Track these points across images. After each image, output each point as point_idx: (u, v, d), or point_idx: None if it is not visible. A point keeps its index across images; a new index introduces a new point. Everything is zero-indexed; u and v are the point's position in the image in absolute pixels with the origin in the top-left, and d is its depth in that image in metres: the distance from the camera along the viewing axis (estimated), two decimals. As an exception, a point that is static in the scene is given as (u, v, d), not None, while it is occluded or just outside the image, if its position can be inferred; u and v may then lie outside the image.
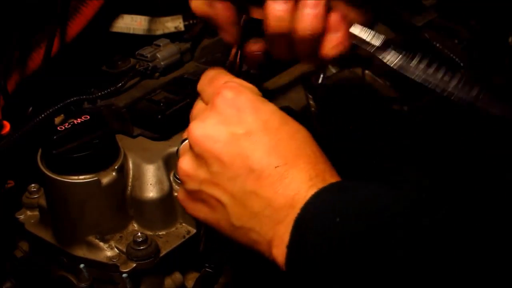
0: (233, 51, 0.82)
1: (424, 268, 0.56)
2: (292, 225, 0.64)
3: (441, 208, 0.60)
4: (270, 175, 0.67)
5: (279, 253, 0.66)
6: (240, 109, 0.70)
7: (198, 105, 0.76)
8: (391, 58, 0.74)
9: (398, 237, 0.58)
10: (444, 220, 0.59)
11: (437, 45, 1.19)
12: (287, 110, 0.96)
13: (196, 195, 0.72)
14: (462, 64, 1.16)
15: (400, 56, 0.73)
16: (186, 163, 0.73)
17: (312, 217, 0.63)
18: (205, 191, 0.71)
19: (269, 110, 0.71)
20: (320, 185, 0.66)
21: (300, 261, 0.63)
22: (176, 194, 0.90)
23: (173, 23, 1.23)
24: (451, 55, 1.17)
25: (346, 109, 1.07)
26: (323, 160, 0.70)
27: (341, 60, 0.78)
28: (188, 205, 0.75)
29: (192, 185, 0.72)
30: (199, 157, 0.71)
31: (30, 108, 1.03)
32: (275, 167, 0.67)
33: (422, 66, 0.73)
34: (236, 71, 0.78)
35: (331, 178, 0.67)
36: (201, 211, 0.73)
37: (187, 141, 0.75)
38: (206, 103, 0.75)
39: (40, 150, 0.89)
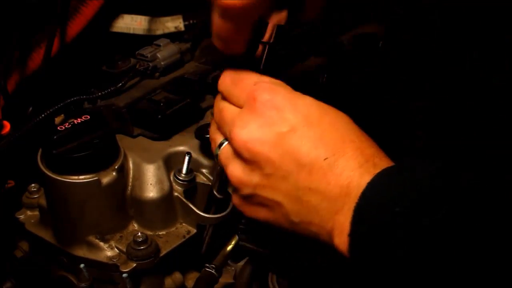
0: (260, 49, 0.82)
1: (485, 258, 0.57)
2: (351, 215, 0.65)
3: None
4: (321, 167, 0.68)
5: (341, 241, 0.66)
6: (279, 108, 0.71)
7: (230, 110, 0.76)
8: None
9: (461, 227, 0.59)
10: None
11: None
12: None
13: (252, 199, 0.74)
14: None
15: None
16: (237, 170, 0.73)
17: (371, 206, 0.64)
18: (260, 194, 0.72)
19: (307, 104, 0.72)
20: (371, 170, 0.67)
21: (363, 249, 0.64)
22: (176, 194, 0.90)
23: (173, 23, 1.23)
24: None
25: (346, 109, 1.07)
26: (370, 143, 0.71)
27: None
28: (246, 210, 0.76)
29: (247, 191, 0.73)
30: (249, 162, 0.72)
31: (30, 108, 1.03)
32: (324, 159, 0.68)
33: None
34: (258, 68, 0.78)
35: (380, 161, 0.68)
36: (260, 213, 0.74)
37: (225, 145, 0.76)
38: (239, 106, 0.75)
39: (40, 150, 0.89)
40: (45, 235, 0.94)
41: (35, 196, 0.97)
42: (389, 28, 1.22)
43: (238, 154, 0.73)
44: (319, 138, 0.69)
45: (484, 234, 0.58)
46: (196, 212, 0.89)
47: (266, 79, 0.75)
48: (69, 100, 0.96)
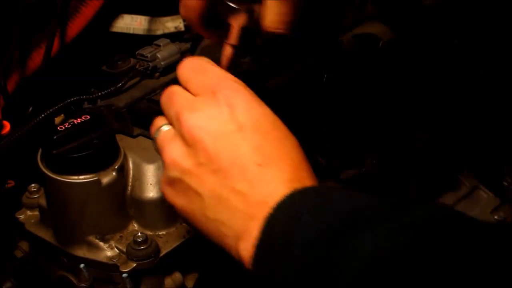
0: (229, 60, 0.82)
1: (401, 271, 0.56)
2: (262, 222, 0.65)
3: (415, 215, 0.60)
4: (251, 171, 0.68)
5: (245, 247, 0.66)
6: (235, 107, 0.71)
7: (183, 94, 0.75)
8: None
9: (370, 240, 0.58)
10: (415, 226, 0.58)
11: None
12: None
13: (176, 184, 0.73)
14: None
15: None
16: (175, 151, 0.73)
17: (283, 216, 0.64)
18: (185, 181, 0.71)
19: (262, 112, 0.72)
20: (296, 186, 0.66)
21: (265, 259, 0.64)
22: (176, 194, 0.90)
23: (173, 23, 1.23)
24: None
25: (346, 109, 1.07)
26: (307, 168, 0.70)
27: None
28: (167, 192, 0.75)
29: (175, 173, 0.72)
30: (190, 147, 0.71)
31: (30, 108, 1.03)
32: (257, 165, 0.68)
33: None
34: (233, 69, 0.78)
35: (310, 184, 0.68)
36: (178, 200, 0.73)
37: (166, 128, 0.75)
38: (195, 94, 0.74)
39: (40, 150, 0.89)
40: (45, 235, 0.94)
41: (35, 196, 0.97)
42: (392, 28, 1.22)
43: (180, 136, 0.72)
44: (260, 145, 0.69)
45: (387, 254, 0.57)
46: (196, 212, 0.89)
47: (230, 76, 0.75)
48: (69, 100, 0.96)
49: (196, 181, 0.70)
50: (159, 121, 0.78)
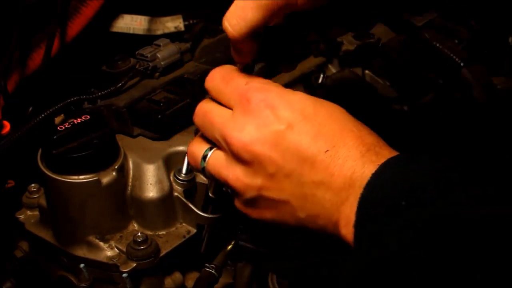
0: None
1: (502, 257, 0.57)
2: (356, 206, 0.65)
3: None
4: (323, 160, 0.68)
5: (347, 232, 0.67)
6: (273, 107, 0.71)
7: (220, 112, 0.75)
8: None
9: (467, 218, 0.59)
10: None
11: (437, 45, 1.19)
12: None
13: (258, 202, 0.73)
14: (462, 64, 1.16)
15: None
16: (238, 175, 0.72)
17: (376, 199, 0.64)
18: (266, 195, 0.72)
19: (300, 99, 0.72)
20: (374, 159, 0.67)
21: (367, 240, 0.64)
22: (176, 194, 0.90)
23: (173, 23, 1.23)
24: (451, 55, 1.17)
25: (346, 109, 1.07)
26: (368, 132, 0.71)
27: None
28: (252, 213, 0.75)
29: (251, 194, 0.72)
30: (250, 164, 0.71)
31: (30, 108, 1.03)
32: (325, 151, 0.68)
33: None
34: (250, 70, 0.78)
35: (381, 150, 0.68)
36: (266, 214, 0.74)
37: (212, 154, 0.75)
38: (230, 107, 0.74)
39: (40, 150, 0.89)
40: (45, 235, 0.94)
41: (35, 196, 0.97)
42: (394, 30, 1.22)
43: (237, 158, 0.72)
44: (318, 131, 0.69)
45: (490, 235, 0.58)
46: (196, 212, 0.89)
47: (256, 79, 0.75)
48: (69, 100, 0.96)
49: (276, 192, 0.71)
50: (197, 148, 0.77)
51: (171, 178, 0.91)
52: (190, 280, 0.94)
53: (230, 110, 0.74)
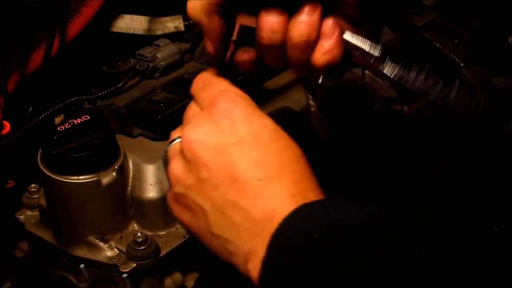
0: (228, 55, 0.82)
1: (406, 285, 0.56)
2: (268, 240, 0.64)
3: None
4: (252, 187, 0.67)
5: (254, 266, 0.65)
6: (234, 119, 0.70)
7: (192, 109, 0.76)
8: (390, 69, 0.73)
9: (378, 256, 0.58)
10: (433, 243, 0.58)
11: (437, 45, 1.18)
12: (287, 111, 0.95)
13: (181, 199, 0.73)
14: (462, 64, 1.16)
15: (398, 67, 0.73)
16: (177, 166, 0.73)
17: (289, 233, 0.63)
18: (190, 196, 0.71)
19: (262, 124, 0.71)
20: (300, 202, 0.66)
21: (274, 277, 0.63)
22: (176, 194, 0.90)
23: (173, 23, 1.23)
24: (451, 55, 1.17)
25: (346, 109, 1.07)
26: (310, 179, 0.70)
27: (333, 70, 0.78)
28: (174, 208, 0.75)
29: (179, 189, 0.72)
30: (189, 162, 0.71)
31: (30, 108, 1.03)
32: (258, 180, 0.67)
33: (421, 77, 0.72)
34: (229, 75, 0.78)
35: (314, 197, 0.67)
36: (184, 215, 0.73)
37: (177, 141, 0.75)
38: (201, 108, 0.75)
39: (40, 150, 0.89)
40: (45, 235, 0.94)
41: (35, 196, 0.97)
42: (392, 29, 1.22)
43: (182, 152, 0.72)
44: (261, 159, 0.68)
45: (402, 270, 0.57)
46: (196, 212, 0.89)
47: (233, 89, 0.74)
48: (69, 100, 0.96)
49: (200, 196, 0.70)
50: (174, 133, 0.77)
51: (171, 178, 0.91)
52: (190, 280, 0.94)
53: (199, 110, 0.75)
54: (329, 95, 1.00)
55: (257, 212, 0.66)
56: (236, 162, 0.68)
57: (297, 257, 0.61)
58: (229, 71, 0.79)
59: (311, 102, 0.98)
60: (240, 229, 0.67)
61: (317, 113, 0.98)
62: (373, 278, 0.57)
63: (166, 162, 0.78)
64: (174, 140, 0.76)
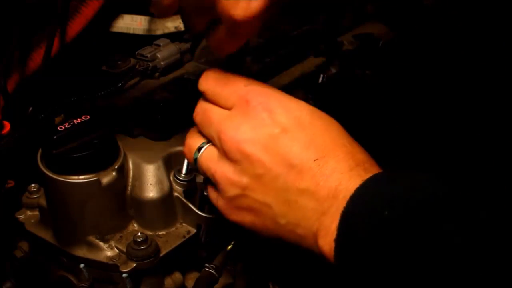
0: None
1: (481, 261, 0.57)
2: (338, 218, 0.65)
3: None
4: (310, 168, 0.68)
5: (325, 243, 0.66)
6: (271, 111, 0.71)
7: (217, 111, 0.76)
8: None
9: (452, 230, 0.58)
10: (499, 212, 0.59)
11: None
12: None
13: (240, 201, 0.73)
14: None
15: None
16: (226, 171, 0.73)
17: (359, 212, 0.64)
18: (249, 195, 0.72)
19: (299, 107, 0.72)
20: (362, 174, 0.67)
21: (349, 255, 0.64)
22: (176, 194, 0.90)
23: (173, 23, 1.23)
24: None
25: (346, 109, 1.07)
26: (360, 150, 0.71)
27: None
28: (232, 213, 0.75)
29: (234, 191, 0.73)
30: (239, 163, 0.71)
31: (30, 108, 1.03)
32: (314, 160, 0.68)
33: None
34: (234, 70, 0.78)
35: (371, 167, 0.69)
36: (246, 216, 0.74)
37: (206, 149, 0.76)
38: (226, 108, 0.75)
39: (40, 150, 0.89)
40: (45, 235, 0.94)
41: (35, 196, 0.97)
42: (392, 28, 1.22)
43: (228, 155, 0.72)
44: (310, 140, 0.70)
45: (478, 245, 0.58)
46: (196, 212, 0.89)
47: (255, 82, 0.75)
48: (69, 100, 0.96)
49: (261, 193, 0.71)
50: (194, 141, 0.78)
51: (171, 178, 0.91)
52: (190, 280, 0.94)
53: (227, 110, 0.75)
54: (329, 95, 1.00)
55: (320, 191, 0.67)
56: (288, 149, 0.69)
57: (369, 237, 0.62)
58: (232, 66, 0.79)
59: (311, 102, 0.98)
60: (306, 211, 0.68)
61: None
62: (448, 253, 0.57)
63: (200, 171, 0.78)
64: (201, 148, 0.76)
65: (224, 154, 0.73)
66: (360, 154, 0.70)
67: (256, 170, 0.70)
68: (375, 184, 0.66)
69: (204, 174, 0.78)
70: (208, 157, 0.76)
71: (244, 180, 0.72)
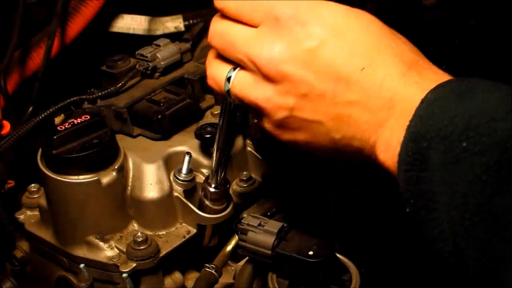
0: None
1: None
2: (401, 132, 0.60)
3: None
4: (358, 79, 0.64)
5: (387, 158, 0.63)
6: (304, 23, 0.66)
7: (241, 30, 0.69)
8: None
9: None
10: None
11: None
12: None
13: (289, 123, 0.68)
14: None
15: None
16: (266, 94, 0.68)
17: (426, 130, 0.58)
18: (298, 116, 0.67)
19: (332, 12, 0.66)
20: (417, 80, 0.62)
21: (414, 170, 0.59)
22: (176, 194, 0.90)
23: (173, 23, 1.23)
24: None
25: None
26: (409, 47, 0.65)
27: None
28: (283, 134, 0.70)
29: (281, 114, 0.68)
30: (281, 83, 0.67)
31: (30, 108, 1.03)
32: (361, 70, 0.64)
33: None
34: None
35: (423, 69, 0.63)
36: (298, 135, 0.69)
37: (237, 75, 0.70)
38: (253, 25, 0.69)
39: (40, 150, 0.89)
40: (45, 235, 0.94)
41: (35, 196, 0.97)
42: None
43: (267, 78, 0.67)
44: (351, 48, 0.64)
45: None
46: (196, 212, 0.89)
47: None
48: (69, 100, 0.96)
49: (310, 112, 0.66)
50: (219, 69, 0.72)
51: (171, 178, 0.91)
52: (190, 280, 0.94)
53: (253, 28, 0.69)
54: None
55: (374, 102, 0.63)
56: (330, 61, 0.65)
57: (444, 167, 0.57)
58: None
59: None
60: (361, 123, 0.64)
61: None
62: None
63: (237, 100, 0.72)
64: (230, 75, 0.70)
65: (263, 77, 0.68)
66: (409, 53, 0.64)
67: (300, 90, 0.66)
68: (441, 98, 0.59)
69: (241, 102, 0.72)
70: (243, 84, 0.70)
71: (290, 101, 0.67)
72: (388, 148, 0.63)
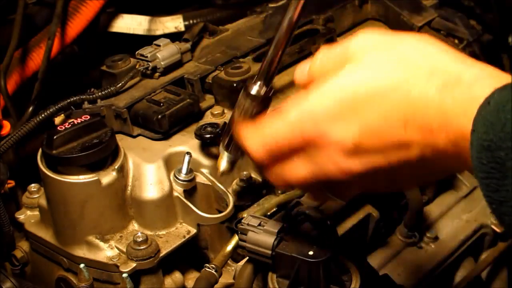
0: None
1: None
2: (472, 138, 0.57)
3: None
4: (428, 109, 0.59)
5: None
6: (331, 134, 0.64)
7: (295, 168, 0.69)
8: None
9: None
10: None
11: None
12: None
13: (377, 176, 0.66)
14: None
15: None
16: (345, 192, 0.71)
17: (505, 139, 0.55)
18: (381, 171, 0.65)
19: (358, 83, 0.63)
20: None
21: (497, 182, 0.56)
22: (176, 194, 0.90)
23: (173, 23, 1.23)
24: None
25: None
26: (459, 57, 0.62)
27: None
28: (372, 185, 0.69)
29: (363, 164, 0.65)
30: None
31: (30, 108, 1.03)
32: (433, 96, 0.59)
33: None
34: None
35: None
36: (375, 183, 0.68)
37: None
38: (295, 154, 0.68)
39: (40, 150, 0.89)
40: (45, 235, 0.94)
41: (35, 196, 0.97)
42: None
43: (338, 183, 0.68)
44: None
45: None
46: (196, 212, 0.89)
47: (286, 111, 0.67)
48: (69, 100, 0.96)
49: (393, 171, 0.64)
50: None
51: (171, 178, 0.91)
52: (190, 280, 0.94)
53: (301, 160, 0.68)
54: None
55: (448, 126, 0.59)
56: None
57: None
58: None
59: None
60: (448, 160, 0.61)
61: None
62: None
63: None
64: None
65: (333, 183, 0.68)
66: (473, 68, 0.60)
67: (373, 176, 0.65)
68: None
69: None
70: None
71: (375, 160, 0.64)
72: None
